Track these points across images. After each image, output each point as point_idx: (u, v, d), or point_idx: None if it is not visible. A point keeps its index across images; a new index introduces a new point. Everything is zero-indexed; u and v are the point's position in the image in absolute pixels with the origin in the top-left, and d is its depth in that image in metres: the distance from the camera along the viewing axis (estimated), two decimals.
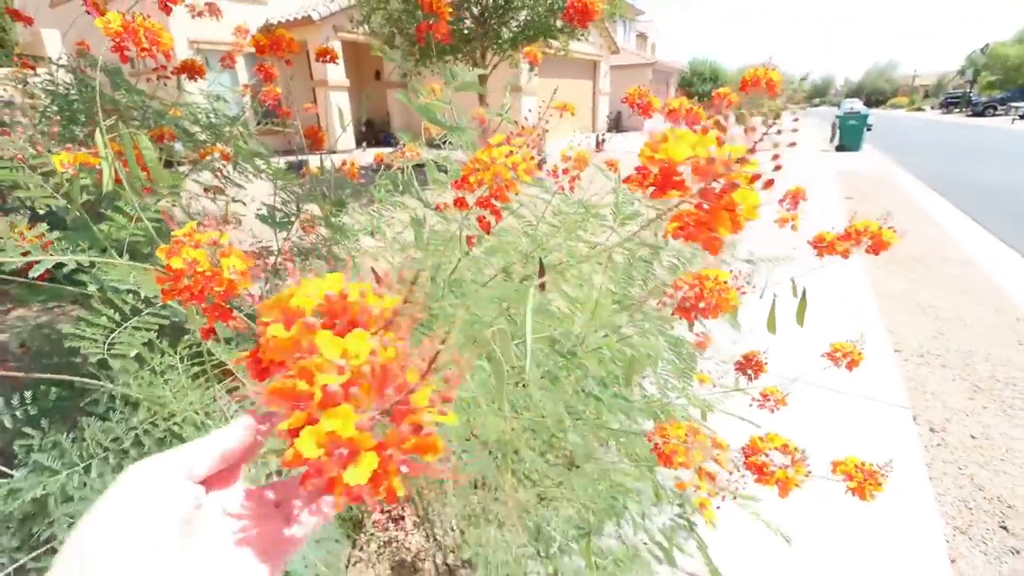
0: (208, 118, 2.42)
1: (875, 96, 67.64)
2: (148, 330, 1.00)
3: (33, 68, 3.33)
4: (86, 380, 0.98)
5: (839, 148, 15.01)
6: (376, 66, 15.79)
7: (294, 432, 0.31)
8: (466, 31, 8.87)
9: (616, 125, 21.02)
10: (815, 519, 1.85)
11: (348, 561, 1.75)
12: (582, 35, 8.66)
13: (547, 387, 1.34)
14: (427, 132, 1.99)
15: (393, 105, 15.32)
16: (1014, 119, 26.81)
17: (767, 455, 0.86)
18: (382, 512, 1.94)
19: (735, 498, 0.92)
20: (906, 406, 2.71)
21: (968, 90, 45.68)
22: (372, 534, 1.87)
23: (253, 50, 2.13)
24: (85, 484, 0.91)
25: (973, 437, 2.52)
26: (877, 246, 1.01)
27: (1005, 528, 2.00)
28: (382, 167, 2.02)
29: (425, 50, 9.12)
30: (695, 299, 1.01)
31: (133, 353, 0.96)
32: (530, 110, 1.71)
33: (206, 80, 2.32)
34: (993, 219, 6.47)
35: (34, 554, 0.86)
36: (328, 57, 2.32)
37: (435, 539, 1.88)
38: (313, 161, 2.57)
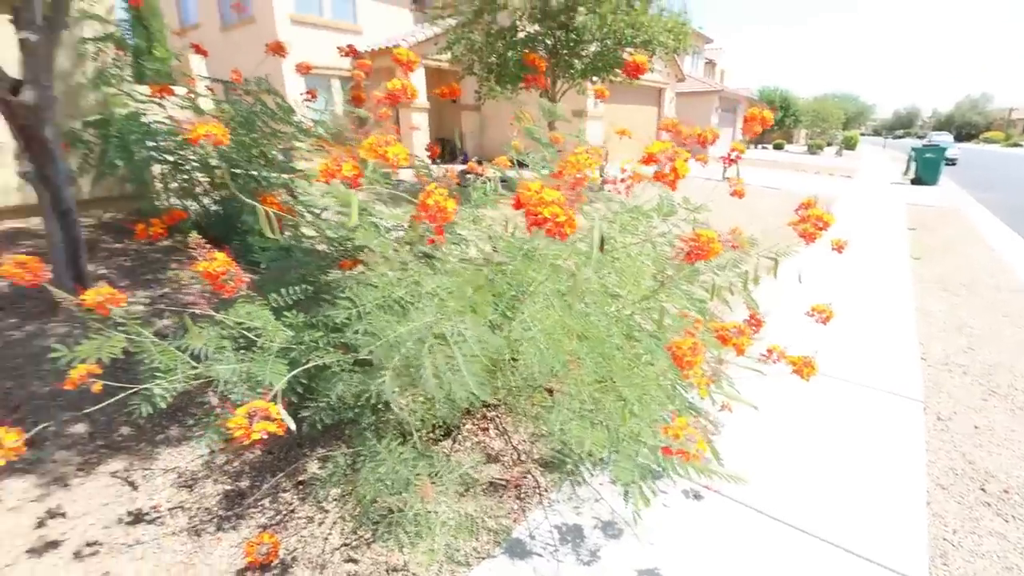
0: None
1: (966, 130, 63.32)
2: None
3: (212, 91, 4.39)
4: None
5: (914, 181, 14.62)
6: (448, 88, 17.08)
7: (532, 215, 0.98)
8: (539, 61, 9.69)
9: None
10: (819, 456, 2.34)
11: (451, 449, 2.42)
12: (650, 67, 9.28)
13: (602, 325, 1.96)
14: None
15: (465, 125, 16.49)
16: None
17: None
18: (474, 423, 2.61)
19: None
20: (919, 399, 3.08)
21: None
22: (466, 436, 2.53)
23: (347, 73, 2.96)
24: None
25: (976, 427, 2.86)
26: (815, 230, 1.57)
27: (983, 489, 2.38)
28: (473, 176, 2.72)
29: (500, 77, 10.07)
30: (695, 248, 1.61)
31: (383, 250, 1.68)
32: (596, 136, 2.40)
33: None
34: None
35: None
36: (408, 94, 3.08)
37: (510, 443, 2.53)
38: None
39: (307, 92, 4.53)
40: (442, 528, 1.83)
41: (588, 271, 1.82)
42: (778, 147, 31.28)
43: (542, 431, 2.69)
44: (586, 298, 1.96)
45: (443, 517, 1.86)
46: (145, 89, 4.18)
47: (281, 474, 2.21)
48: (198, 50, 4.71)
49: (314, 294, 1.95)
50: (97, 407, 2.43)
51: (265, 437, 1.11)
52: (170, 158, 4.37)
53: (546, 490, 2.28)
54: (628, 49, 8.96)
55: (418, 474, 1.71)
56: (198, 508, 2.04)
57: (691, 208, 2.54)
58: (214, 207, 4.59)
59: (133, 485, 2.11)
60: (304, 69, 4.05)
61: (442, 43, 10.43)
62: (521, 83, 9.97)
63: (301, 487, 2.18)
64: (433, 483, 1.92)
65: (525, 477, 2.33)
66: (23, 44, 2.61)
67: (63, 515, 1.95)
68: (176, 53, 4.20)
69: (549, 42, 9.43)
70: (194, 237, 1.58)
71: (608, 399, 1.90)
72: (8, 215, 4.76)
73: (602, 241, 1.93)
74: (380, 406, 2.15)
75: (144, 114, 4.15)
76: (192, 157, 4.41)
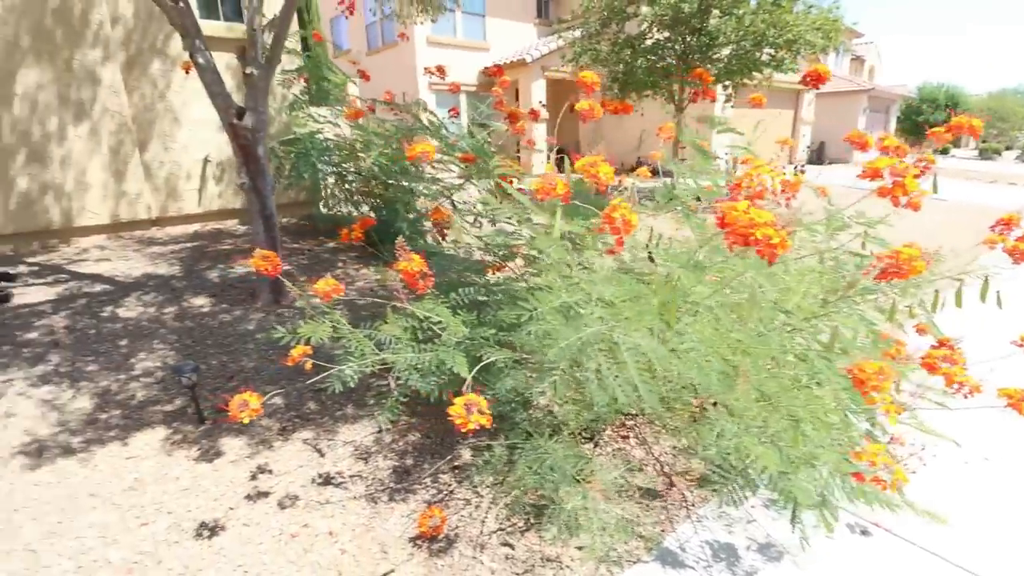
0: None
1: None
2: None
3: (373, 110, 4.87)
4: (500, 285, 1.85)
5: None
6: (570, 99, 17.29)
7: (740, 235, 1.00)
8: (667, 67, 9.45)
9: (818, 156, 19.39)
10: None
11: (593, 453, 2.47)
12: (790, 67, 8.62)
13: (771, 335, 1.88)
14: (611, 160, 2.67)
15: (583, 134, 16.56)
16: None
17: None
18: (613, 430, 2.64)
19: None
20: None
21: None
22: (607, 442, 2.57)
23: (472, 89, 3.09)
24: None
25: None
26: None
27: None
28: (619, 185, 2.74)
29: (626, 84, 9.99)
30: (891, 266, 1.49)
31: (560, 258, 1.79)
32: (727, 147, 2.30)
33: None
34: None
35: None
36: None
37: (651, 453, 2.51)
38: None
39: (451, 109, 4.91)
40: (600, 527, 1.88)
41: (764, 284, 1.77)
42: (943, 152, 27.10)
43: (683, 444, 2.64)
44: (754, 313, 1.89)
45: (600, 516, 1.91)
46: (323, 111, 4.82)
47: (442, 461, 2.41)
48: (363, 76, 5.32)
49: (485, 295, 2.11)
50: (295, 384, 2.85)
51: (476, 428, 1.24)
52: (335, 170, 4.98)
53: (693, 505, 2.23)
54: (768, 50, 8.42)
55: (580, 471, 1.78)
56: (373, 478, 2.30)
57: (867, 223, 2.34)
58: (369, 213, 5.13)
59: (320, 452, 2.44)
60: (440, 72, 4.39)
61: (568, 54, 10.62)
62: (648, 90, 9.81)
63: (457, 471, 2.36)
64: (589, 483, 1.98)
65: (671, 489, 2.30)
66: (247, 77, 3.16)
67: (270, 471, 2.31)
68: (350, 78, 4.78)
69: (678, 47, 9.17)
70: (399, 241, 1.79)
71: (774, 418, 1.82)
72: (212, 217, 5.76)
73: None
74: (535, 403, 2.27)
75: (321, 132, 4.79)
76: (352, 169, 4.99)
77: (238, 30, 5.44)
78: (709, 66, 8.84)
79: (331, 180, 5.19)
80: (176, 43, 5.30)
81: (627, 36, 9.78)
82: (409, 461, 2.42)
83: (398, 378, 2.35)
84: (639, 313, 1.59)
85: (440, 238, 2.93)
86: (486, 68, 3.99)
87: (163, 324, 3.30)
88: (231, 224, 5.79)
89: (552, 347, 1.66)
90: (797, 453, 1.68)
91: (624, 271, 2.15)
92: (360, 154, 4.69)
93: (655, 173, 2.68)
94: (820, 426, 1.78)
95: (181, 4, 2.87)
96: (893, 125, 23.52)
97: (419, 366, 2.18)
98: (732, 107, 10.84)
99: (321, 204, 5.89)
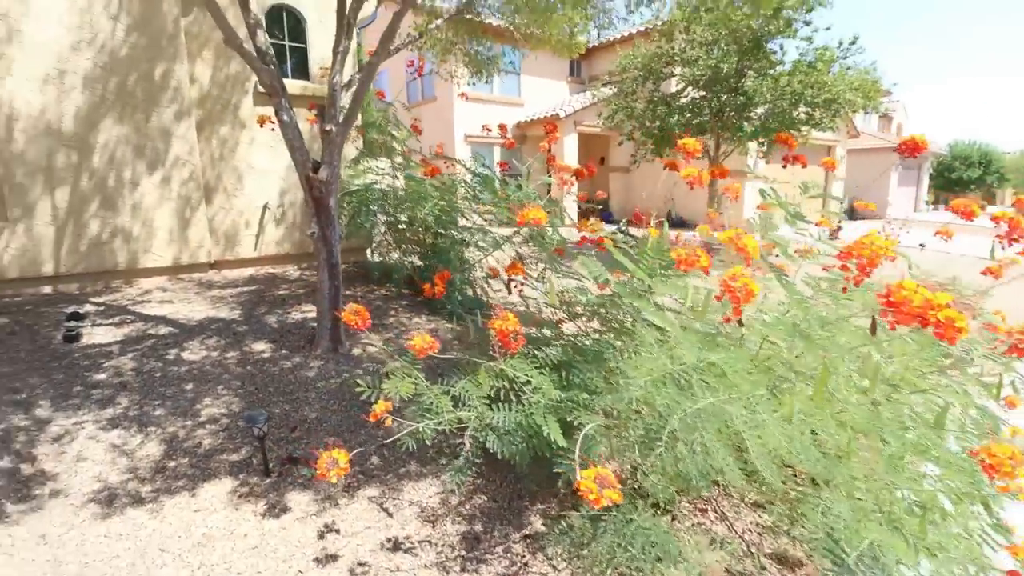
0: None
1: None
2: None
3: (438, 171, 5.00)
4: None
5: None
6: (602, 153, 17.70)
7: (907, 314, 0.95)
8: (703, 124, 9.63)
9: (850, 213, 19.23)
10: None
11: (670, 526, 2.33)
12: (828, 126, 8.70)
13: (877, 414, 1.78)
14: (645, 214, 2.64)
15: (614, 187, 16.83)
16: None
17: None
18: (689, 502, 2.49)
19: None
20: None
21: None
22: (685, 515, 2.42)
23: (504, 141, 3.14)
24: None
25: None
26: None
27: None
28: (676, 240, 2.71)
29: (661, 141, 10.19)
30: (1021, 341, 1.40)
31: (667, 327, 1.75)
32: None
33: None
34: None
35: None
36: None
37: (734, 529, 2.35)
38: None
39: (500, 163, 5.06)
40: None
41: (877, 356, 1.69)
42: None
43: (769, 521, 2.47)
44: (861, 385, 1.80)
45: None
46: (381, 164, 5.02)
47: (513, 530, 2.30)
48: (416, 130, 5.56)
49: (565, 354, 2.07)
50: (358, 437, 2.80)
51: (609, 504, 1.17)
52: (388, 219, 5.11)
53: None
54: (805, 108, 8.54)
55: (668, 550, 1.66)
56: (443, 544, 2.20)
57: (966, 293, 2.26)
58: (418, 262, 5.21)
59: (387, 512, 2.35)
60: (503, 129, 4.53)
61: (604, 111, 10.96)
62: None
63: (529, 540, 2.24)
64: (680, 562, 1.85)
65: (763, 572, 2.13)
66: (325, 133, 3.31)
67: (337, 531, 2.24)
68: (410, 133, 4.99)
69: (714, 105, 9.38)
70: (501, 310, 1.78)
71: (889, 498, 1.70)
72: (267, 262, 5.92)
73: (874, 323, 1.79)
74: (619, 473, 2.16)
75: (378, 183, 4.96)
76: (404, 218, 5.11)
77: (308, 88, 5.78)
78: (746, 123, 8.98)
79: (382, 228, 5.32)
80: (246, 101, 5.65)
81: (662, 94, 10.07)
82: (478, 527, 2.32)
83: (474, 438, 2.29)
84: (753, 384, 1.52)
85: (507, 290, 2.93)
86: (519, 123, 4.12)
87: (226, 369, 3.32)
88: (284, 269, 5.94)
89: (662, 416, 1.60)
90: (929, 541, 1.55)
91: (709, 336, 2.09)
92: (412, 204, 4.81)
93: (679, 224, 2.66)
94: (941, 512, 1.65)
95: (271, 67, 3.06)
96: (926, 182, 23.32)
97: (495, 426, 2.13)
98: (766, 162, 10.93)
99: (370, 251, 6.02)
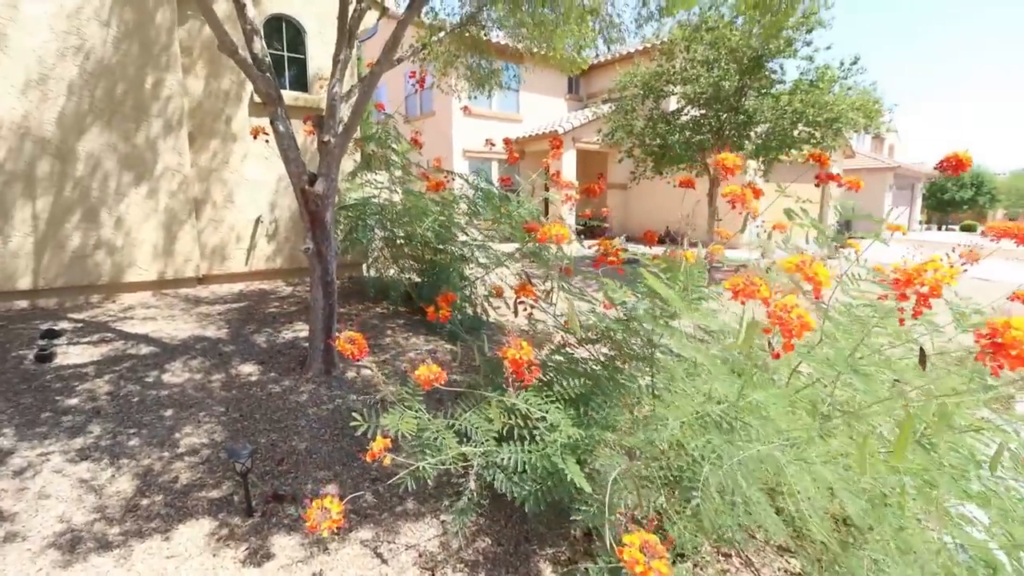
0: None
1: None
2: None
3: (443, 185, 4.85)
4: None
5: None
6: (600, 169, 17.71)
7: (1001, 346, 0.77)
8: (703, 142, 9.59)
9: (846, 230, 19.33)
10: None
11: (693, 573, 2.12)
12: (828, 145, 8.67)
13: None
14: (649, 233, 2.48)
15: (612, 204, 16.79)
16: None
17: None
18: (712, 548, 2.29)
19: None
20: None
21: None
22: (707, 561, 2.21)
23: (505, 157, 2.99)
24: None
25: None
26: None
27: None
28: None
29: (661, 159, 10.14)
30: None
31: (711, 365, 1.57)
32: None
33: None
34: None
35: None
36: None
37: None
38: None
39: (501, 178, 4.91)
40: None
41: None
42: (968, 229, 26.90)
43: (797, 568, 2.27)
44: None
45: None
46: (379, 178, 4.85)
47: None
48: (416, 143, 5.41)
49: (592, 386, 1.88)
50: (350, 472, 2.59)
51: None
52: (385, 234, 4.93)
53: None
54: (805, 128, 8.50)
55: None
56: None
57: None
58: (416, 278, 5.02)
59: (382, 558, 2.13)
60: (508, 144, 4.40)
61: (604, 128, 10.92)
62: (683, 164, 9.92)
63: None
64: None
65: None
66: (323, 145, 3.14)
67: None
68: (412, 147, 4.84)
69: (715, 123, 9.35)
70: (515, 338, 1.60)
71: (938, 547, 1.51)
72: (257, 277, 5.71)
73: (923, 355, 1.62)
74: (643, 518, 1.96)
75: (376, 197, 4.79)
76: (402, 234, 4.94)
77: (303, 99, 5.64)
78: (747, 142, 8.94)
79: (378, 244, 5.14)
80: (240, 112, 5.49)
81: (662, 112, 10.04)
82: (482, 575, 2.10)
83: (480, 476, 2.09)
84: (806, 428, 1.34)
85: (514, 312, 2.74)
86: (518, 139, 3.98)
87: (210, 393, 3.10)
88: (276, 285, 5.73)
89: (696, 461, 1.41)
90: None
91: (743, 370, 1.91)
92: (411, 219, 4.64)
93: (672, 241, 2.51)
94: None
95: (268, 74, 2.90)
96: (919, 202, 23.54)
97: (504, 465, 1.93)
98: (766, 181, 10.90)
99: (366, 266, 5.83)
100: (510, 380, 1.59)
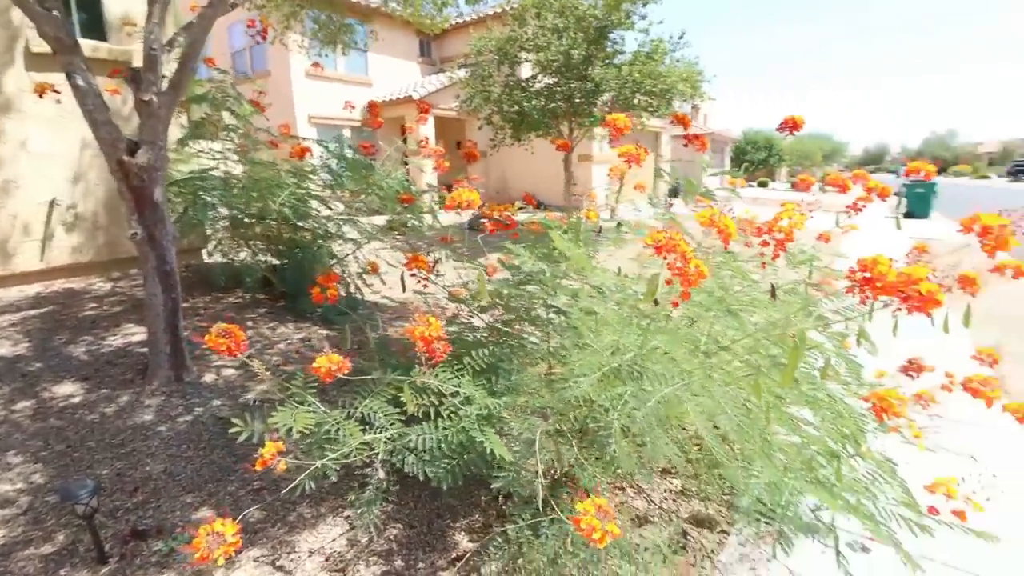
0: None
1: (935, 164, 66.43)
2: None
3: (274, 144, 4.38)
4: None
5: (906, 215, 15.22)
6: (458, 137, 17.50)
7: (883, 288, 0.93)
8: (556, 109, 9.97)
9: (675, 192, 21.93)
10: None
11: None
12: (660, 112, 9.59)
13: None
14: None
15: (472, 172, 16.80)
16: None
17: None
18: (608, 483, 2.48)
19: None
20: None
21: None
22: (607, 496, 2.40)
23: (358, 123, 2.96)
24: None
25: None
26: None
27: None
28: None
29: (517, 126, 10.35)
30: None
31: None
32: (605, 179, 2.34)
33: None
34: None
35: None
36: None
37: (652, 501, 2.41)
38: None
39: (367, 145, 4.56)
40: None
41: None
42: (763, 184, 32.40)
43: (679, 487, 2.57)
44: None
45: None
46: (215, 146, 4.16)
47: (438, 555, 2.05)
48: (258, 106, 4.73)
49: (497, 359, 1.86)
50: (226, 488, 2.26)
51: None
52: (232, 212, 4.30)
53: (713, 552, 2.15)
54: (644, 97, 9.28)
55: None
56: None
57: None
58: (275, 261, 4.51)
59: (285, 571, 1.93)
60: (373, 108, 4.08)
61: (461, 95, 10.73)
62: (540, 132, 10.23)
63: (458, 563, 2.02)
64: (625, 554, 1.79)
65: (687, 539, 2.20)
66: (143, 105, 2.58)
67: None
68: (255, 110, 4.20)
69: (566, 91, 9.76)
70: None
71: (797, 456, 1.83)
72: (59, 275, 4.61)
73: (773, 290, 1.90)
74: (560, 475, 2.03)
75: (214, 170, 4.11)
76: (252, 211, 4.35)
77: (103, 50, 4.53)
78: (596, 111, 9.50)
79: (221, 224, 4.47)
80: (12, 68, 4.25)
81: (517, 79, 10.18)
82: (399, 562, 2.02)
83: (388, 462, 1.97)
84: (702, 366, 1.48)
85: (403, 287, 2.59)
86: (371, 103, 3.77)
87: (16, 427, 2.46)
88: (89, 282, 4.69)
89: (606, 412, 1.48)
90: (841, 488, 1.68)
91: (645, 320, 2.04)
92: (261, 193, 4.10)
93: (538, 206, 2.64)
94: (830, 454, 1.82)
95: (56, 13, 2.23)
96: (727, 163, 27.56)
97: (414, 447, 1.85)
98: (611, 147, 11.77)
99: (206, 251, 5.07)
100: (422, 359, 1.50)
